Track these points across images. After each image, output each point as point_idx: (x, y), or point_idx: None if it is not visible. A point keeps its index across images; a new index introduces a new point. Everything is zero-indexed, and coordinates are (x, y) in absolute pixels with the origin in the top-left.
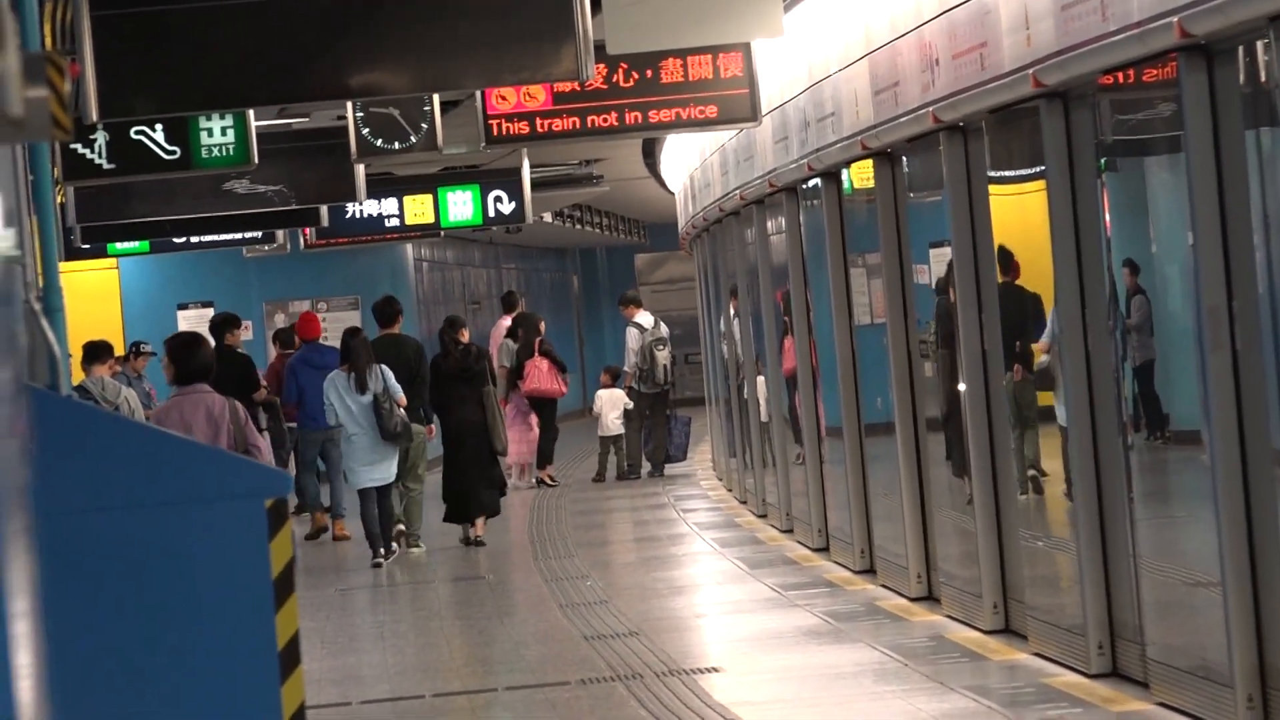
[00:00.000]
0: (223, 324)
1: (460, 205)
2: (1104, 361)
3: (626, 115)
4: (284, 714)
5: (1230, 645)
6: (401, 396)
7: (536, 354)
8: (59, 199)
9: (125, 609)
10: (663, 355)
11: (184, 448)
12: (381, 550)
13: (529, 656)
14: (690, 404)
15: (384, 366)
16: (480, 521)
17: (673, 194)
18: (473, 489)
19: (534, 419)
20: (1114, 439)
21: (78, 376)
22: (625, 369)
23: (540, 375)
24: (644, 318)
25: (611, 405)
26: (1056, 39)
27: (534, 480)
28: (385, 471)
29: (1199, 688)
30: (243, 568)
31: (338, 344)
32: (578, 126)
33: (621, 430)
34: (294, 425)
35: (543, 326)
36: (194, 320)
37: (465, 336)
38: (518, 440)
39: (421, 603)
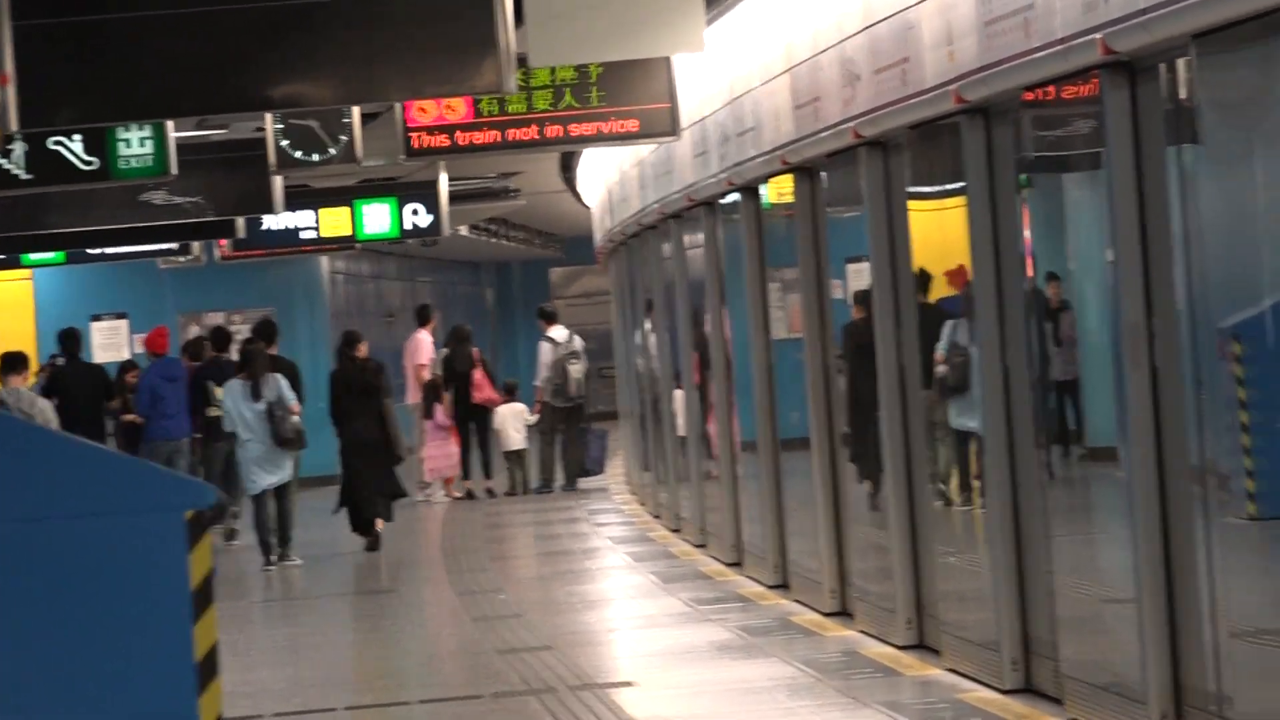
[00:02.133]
0: (66, 338)
1: (377, 218)
2: (1021, 376)
3: (547, 129)
4: None
5: (1145, 662)
6: (295, 404)
7: (478, 365)
8: None
9: (43, 620)
10: (575, 369)
11: (104, 459)
12: (273, 557)
13: (442, 670)
14: (604, 418)
15: (279, 375)
16: (378, 521)
17: (589, 208)
18: (370, 500)
19: (454, 433)
20: (1030, 454)
21: None
22: (537, 383)
23: (487, 386)
24: (557, 332)
25: (512, 420)
26: (979, 55)
27: (467, 492)
28: (280, 476)
29: (1113, 704)
30: (161, 579)
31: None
32: (498, 140)
33: (524, 445)
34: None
35: None
36: (107, 332)
37: (363, 351)
38: (436, 454)
39: (335, 616)
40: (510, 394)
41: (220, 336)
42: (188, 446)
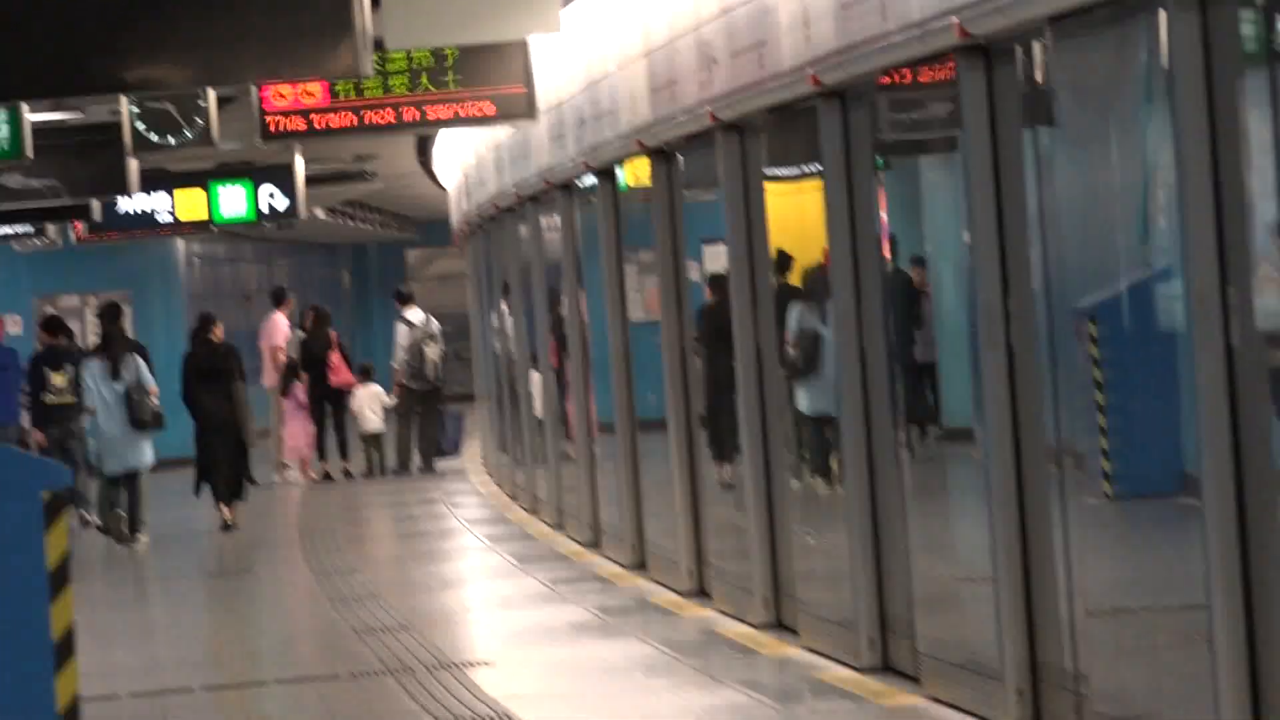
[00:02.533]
0: None
1: (233, 201)
2: (878, 358)
3: (403, 112)
4: (58, 705)
5: (1001, 639)
6: (153, 386)
7: (335, 347)
8: None
9: None
10: (432, 351)
11: None
12: (126, 537)
13: (299, 650)
14: (461, 400)
15: (138, 356)
16: (229, 507)
17: (446, 191)
18: (223, 479)
19: (311, 414)
20: (888, 435)
21: None
22: (394, 365)
23: (343, 368)
24: (414, 314)
25: (369, 402)
26: (836, 38)
27: (324, 474)
28: (136, 459)
29: (970, 682)
30: (18, 559)
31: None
32: (354, 123)
33: (381, 427)
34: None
35: None
36: None
37: (219, 334)
38: (298, 434)
39: (191, 597)
40: (366, 376)
41: (54, 324)
42: (15, 434)
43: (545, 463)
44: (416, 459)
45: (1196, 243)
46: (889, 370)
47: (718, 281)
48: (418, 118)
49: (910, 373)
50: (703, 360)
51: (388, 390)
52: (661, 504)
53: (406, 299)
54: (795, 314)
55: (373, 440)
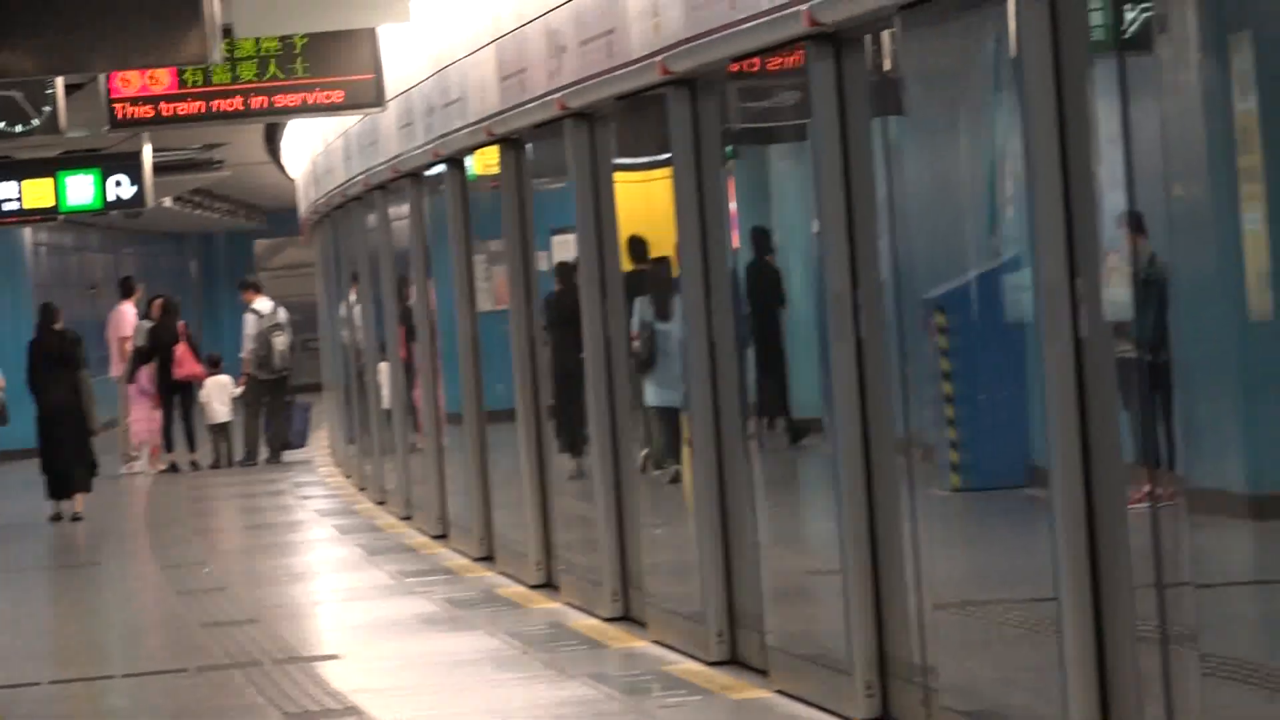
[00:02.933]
0: None
1: (80, 189)
2: (728, 348)
3: (251, 100)
4: None
5: (850, 633)
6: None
7: (183, 338)
8: None
9: None
10: (280, 341)
11: None
12: None
13: (147, 643)
14: (309, 390)
15: None
16: (79, 498)
17: (294, 180)
18: (69, 468)
19: (158, 404)
20: (736, 426)
21: None
22: (242, 355)
23: (190, 360)
24: (262, 303)
25: (217, 393)
26: (685, 27)
27: (171, 464)
28: None
29: (818, 675)
30: None
31: None
32: (202, 111)
33: (229, 418)
34: None
35: None
36: None
37: (60, 323)
38: (143, 420)
39: (36, 589)
40: (215, 366)
41: None
42: None
43: (393, 454)
44: (264, 450)
45: (1045, 233)
46: (739, 361)
47: (564, 270)
48: (265, 105)
49: (759, 363)
50: (550, 349)
51: (235, 380)
52: (510, 496)
53: (254, 288)
54: (637, 307)
55: (220, 431)
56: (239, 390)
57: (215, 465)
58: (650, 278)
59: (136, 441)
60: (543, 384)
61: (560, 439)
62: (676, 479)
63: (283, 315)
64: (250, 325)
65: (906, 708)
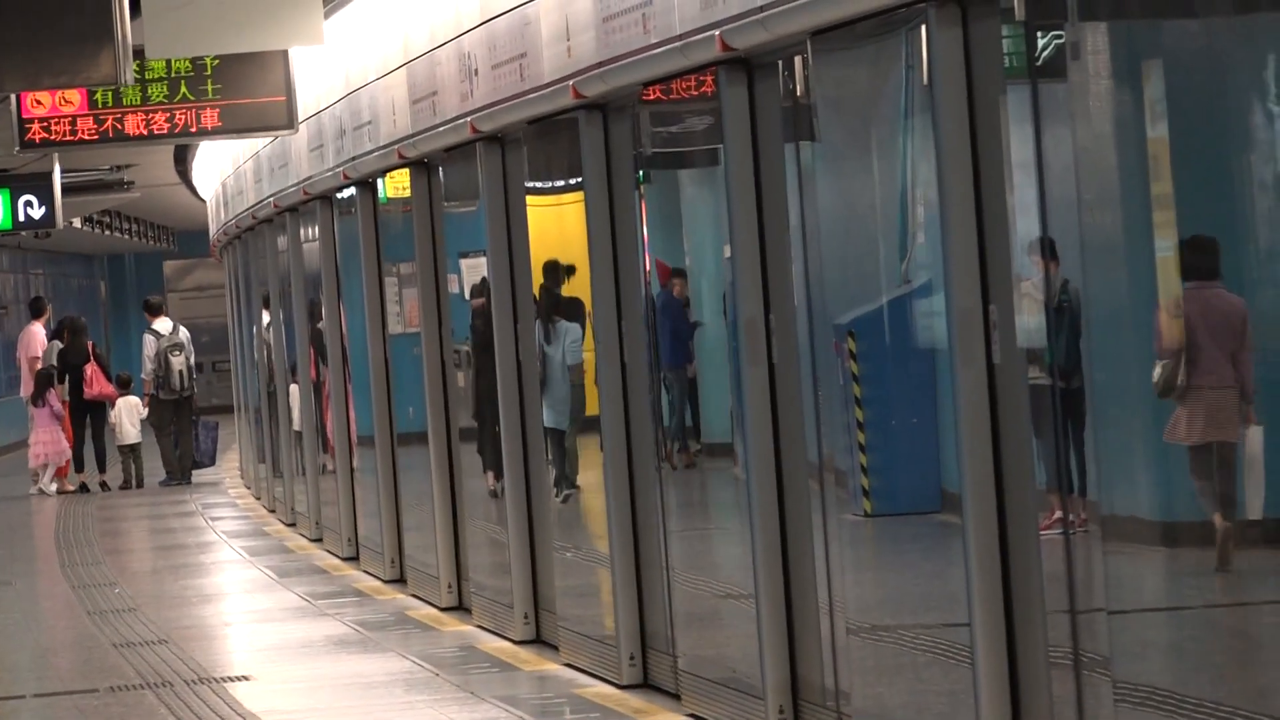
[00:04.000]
0: None
1: None
2: (640, 373)
3: (162, 121)
4: None
5: (763, 657)
6: None
7: (92, 358)
8: None
9: None
10: (178, 361)
11: None
12: None
13: (57, 664)
14: (221, 411)
15: None
16: None
17: (204, 201)
18: None
19: (68, 425)
20: (648, 450)
21: None
22: (143, 375)
23: (100, 379)
24: (162, 324)
25: (127, 413)
26: (598, 51)
27: (81, 485)
28: None
29: (730, 699)
30: None
31: None
32: (113, 132)
33: (138, 438)
34: None
35: None
36: None
37: None
38: (44, 440)
39: None
40: (125, 387)
41: None
42: None
43: (303, 476)
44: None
45: (958, 259)
46: (651, 385)
47: (485, 288)
48: (177, 127)
49: (669, 388)
50: (474, 369)
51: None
52: (421, 519)
53: (155, 309)
54: (536, 330)
55: (130, 452)
56: (145, 412)
57: (125, 486)
58: (541, 302)
59: (35, 464)
60: (455, 406)
61: (483, 457)
62: (567, 500)
63: (184, 335)
64: (149, 346)
65: None
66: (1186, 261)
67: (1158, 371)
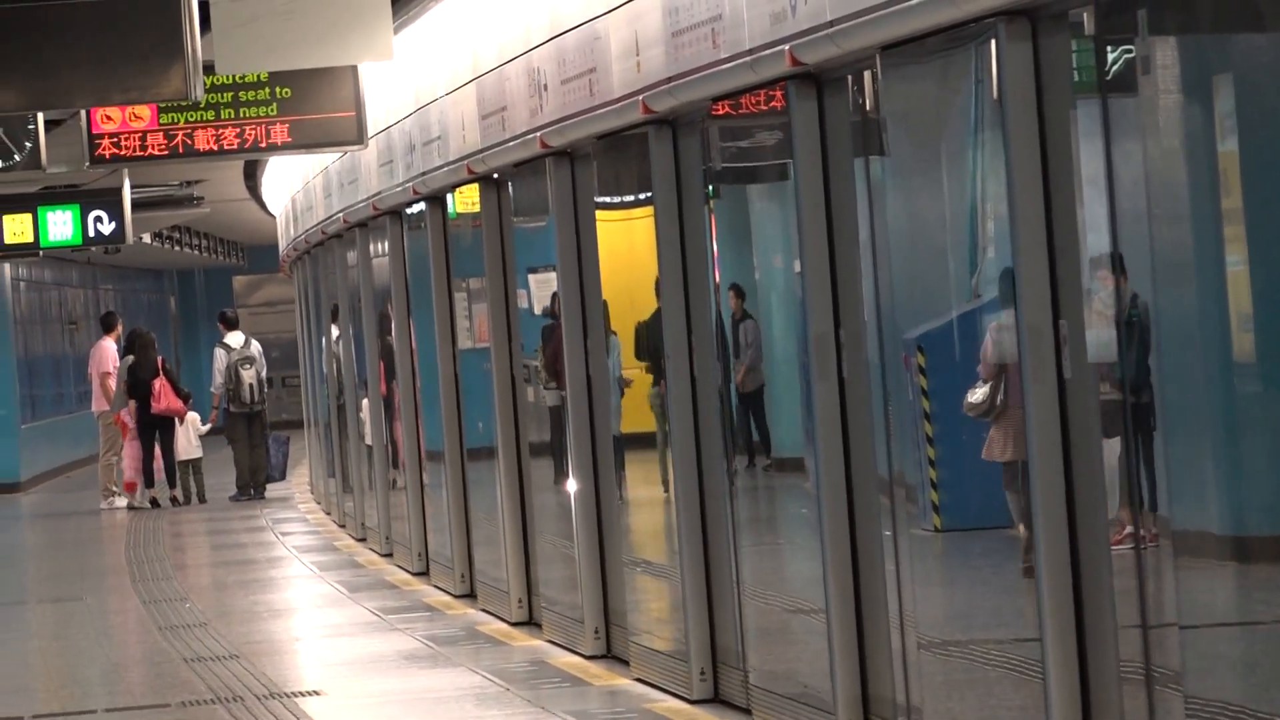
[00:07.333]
0: None
1: (60, 225)
2: (709, 387)
3: (231, 137)
4: None
5: (833, 672)
6: None
7: (161, 373)
8: None
9: None
10: (248, 374)
11: None
12: None
13: (128, 679)
14: (290, 426)
15: None
16: None
17: (273, 216)
18: None
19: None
20: (719, 464)
21: None
22: (212, 389)
23: (169, 394)
24: (234, 337)
25: (187, 429)
26: (666, 66)
27: (152, 500)
28: None
29: (802, 714)
30: None
31: None
32: (182, 148)
33: (198, 454)
34: None
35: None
36: None
37: None
38: (134, 457)
39: (18, 624)
40: (185, 402)
41: None
42: None
43: (374, 490)
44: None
45: (1028, 274)
46: (720, 399)
47: None
48: (246, 143)
49: (740, 403)
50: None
51: (205, 415)
52: (491, 533)
53: (232, 323)
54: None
55: (189, 467)
56: (207, 427)
57: (185, 501)
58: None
59: (128, 478)
60: (524, 421)
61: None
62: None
63: (255, 349)
64: (219, 359)
65: None
66: None
67: None
